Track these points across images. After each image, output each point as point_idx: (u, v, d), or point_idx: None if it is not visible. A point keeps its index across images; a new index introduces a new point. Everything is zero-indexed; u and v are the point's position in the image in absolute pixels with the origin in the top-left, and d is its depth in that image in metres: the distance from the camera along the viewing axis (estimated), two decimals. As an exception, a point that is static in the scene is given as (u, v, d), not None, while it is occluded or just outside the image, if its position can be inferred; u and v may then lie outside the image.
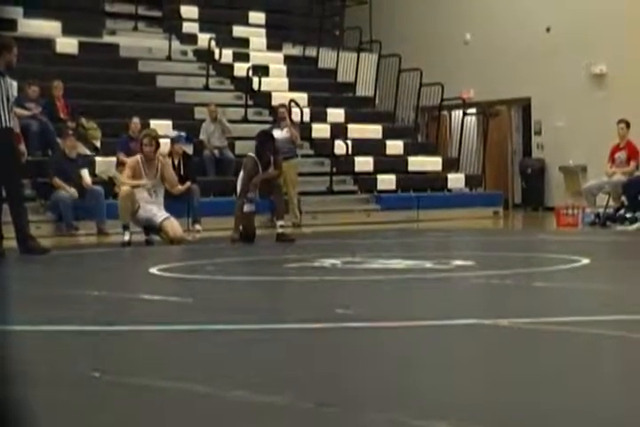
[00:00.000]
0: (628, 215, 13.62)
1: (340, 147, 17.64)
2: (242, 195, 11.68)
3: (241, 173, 11.91)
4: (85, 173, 13.88)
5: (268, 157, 11.67)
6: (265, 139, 11.81)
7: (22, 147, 10.38)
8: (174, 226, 11.46)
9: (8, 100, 9.66)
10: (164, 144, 14.37)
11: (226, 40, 19.71)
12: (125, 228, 11.36)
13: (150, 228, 11.54)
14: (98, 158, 15.07)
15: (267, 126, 16.40)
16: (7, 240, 9.81)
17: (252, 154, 11.79)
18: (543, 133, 21.12)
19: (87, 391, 3.35)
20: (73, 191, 13.70)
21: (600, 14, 19.46)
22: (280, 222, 11.69)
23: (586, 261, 7.97)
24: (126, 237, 11.29)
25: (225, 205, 15.33)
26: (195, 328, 4.76)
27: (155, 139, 11.51)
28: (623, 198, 14.09)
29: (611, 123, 15.49)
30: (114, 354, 4.16)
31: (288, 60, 20.67)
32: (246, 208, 11.61)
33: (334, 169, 17.52)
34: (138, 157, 11.59)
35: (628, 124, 14.81)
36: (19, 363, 2.08)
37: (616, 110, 17.01)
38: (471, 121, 21.27)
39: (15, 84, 9.96)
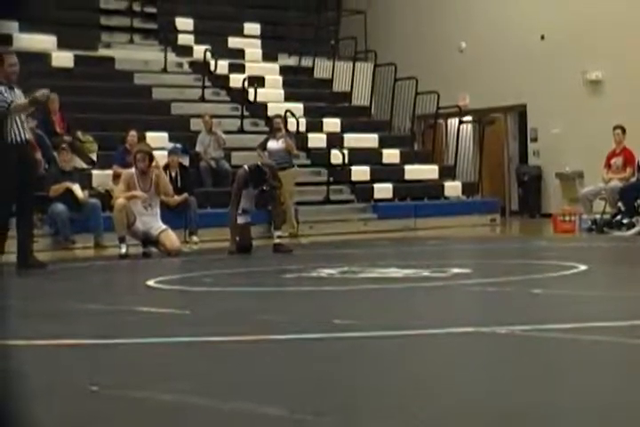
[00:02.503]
0: (624, 221, 13.62)
1: (336, 156, 17.67)
2: (233, 206, 11.66)
3: (234, 184, 11.91)
4: (77, 187, 13.83)
5: (261, 189, 11.61)
6: (257, 173, 11.56)
7: (38, 155, 10.40)
8: (171, 238, 11.46)
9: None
10: (161, 156, 14.42)
11: (221, 51, 19.74)
12: (122, 240, 11.36)
13: (148, 240, 11.54)
14: (94, 171, 15.08)
15: (262, 137, 16.47)
16: (5, 254, 9.81)
17: (245, 166, 11.77)
18: (539, 140, 21.13)
19: (85, 405, 3.35)
20: (77, 191, 13.67)
21: (595, 21, 19.49)
22: (277, 233, 11.69)
23: (583, 267, 7.97)
24: (123, 250, 11.29)
25: (222, 217, 15.31)
26: (192, 340, 4.76)
27: (148, 154, 11.52)
28: (620, 204, 14.09)
29: (607, 129, 15.52)
30: (112, 367, 4.15)
31: (284, 70, 20.71)
32: (241, 220, 11.60)
33: (331, 178, 17.54)
34: (132, 170, 11.60)
35: (624, 130, 14.83)
36: (17, 377, 2.08)
37: (612, 116, 17.03)
38: (467, 129, 21.29)
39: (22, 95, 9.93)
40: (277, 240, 11.58)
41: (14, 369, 2.04)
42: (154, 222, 11.46)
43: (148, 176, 11.46)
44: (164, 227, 11.50)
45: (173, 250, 11.31)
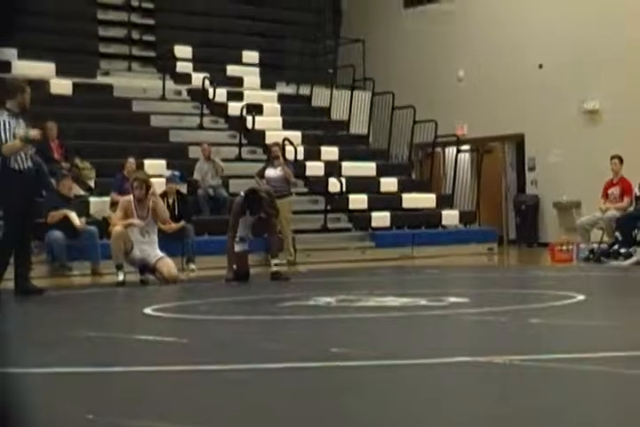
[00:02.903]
0: (622, 251, 13.62)
1: (334, 184, 17.69)
2: (230, 234, 11.65)
3: (231, 212, 11.92)
4: (74, 215, 13.81)
5: (258, 216, 11.59)
6: (253, 199, 11.53)
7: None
8: (169, 265, 11.45)
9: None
10: (159, 184, 14.43)
11: (220, 79, 19.81)
12: (119, 268, 11.35)
13: (145, 268, 11.53)
14: (92, 199, 15.08)
15: (260, 165, 16.50)
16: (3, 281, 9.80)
17: (242, 193, 11.78)
18: (537, 169, 21.18)
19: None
20: (74, 218, 13.67)
21: (593, 51, 19.59)
22: (275, 261, 11.68)
23: (581, 297, 7.96)
24: (120, 277, 11.27)
25: (220, 244, 15.29)
26: (189, 369, 4.75)
27: (145, 182, 11.54)
28: (617, 234, 14.10)
29: (604, 159, 15.56)
30: (108, 396, 4.14)
31: (282, 98, 20.77)
32: (238, 248, 11.58)
33: (329, 207, 17.55)
34: (130, 197, 11.60)
35: (621, 160, 14.86)
36: (14, 406, 2.07)
37: (609, 146, 17.07)
38: (465, 158, 21.35)
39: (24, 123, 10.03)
40: (275, 268, 11.57)
41: (13, 398, 2.03)
42: (151, 250, 11.45)
43: (145, 204, 11.47)
44: (161, 255, 11.49)
45: (171, 278, 11.30)
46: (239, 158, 18.10)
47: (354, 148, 20.13)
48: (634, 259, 13.23)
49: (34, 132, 9.73)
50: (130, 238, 11.32)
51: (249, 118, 18.58)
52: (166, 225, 12.09)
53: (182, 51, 20.75)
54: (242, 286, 11.09)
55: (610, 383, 4.07)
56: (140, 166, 15.80)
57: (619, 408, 3.58)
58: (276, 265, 11.62)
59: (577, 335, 5.83)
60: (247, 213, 11.54)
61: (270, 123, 19.35)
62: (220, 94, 19.52)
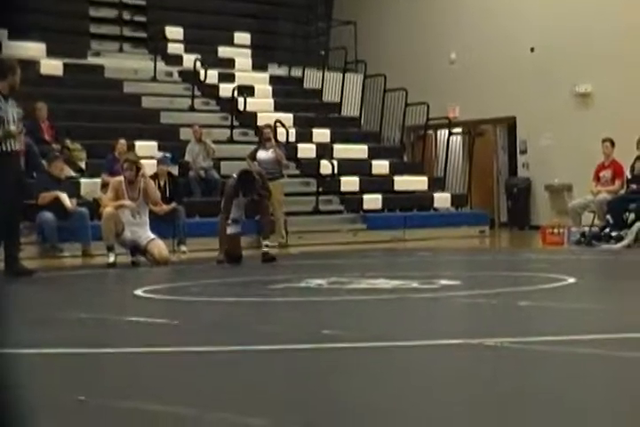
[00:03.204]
0: (613, 234, 13.64)
1: (325, 167, 17.66)
2: (223, 216, 11.64)
3: (224, 194, 11.90)
4: (65, 196, 13.77)
5: (250, 197, 11.54)
6: (245, 180, 11.45)
7: None
8: (160, 247, 11.43)
9: (14, 122, 9.70)
10: (150, 165, 14.39)
11: (211, 61, 19.74)
12: (110, 249, 11.33)
13: (136, 249, 11.51)
14: (83, 180, 15.04)
15: (252, 147, 16.46)
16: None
17: (234, 175, 11.75)
18: (529, 152, 21.17)
19: (72, 415, 3.33)
20: (65, 200, 13.64)
21: (585, 34, 19.56)
22: (266, 242, 11.67)
23: (572, 280, 7.97)
24: (111, 259, 11.26)
25: (211, 226, 15.28)
26: (181, 350, 4.74)
27: (135, 163, 11.50)
28: (608, 217, 14.11)
29: (596, 142, 15.55)
30: (99, 377, 4.14)
31: (273, 80, 20.71)
32: (230, 230, 11.55)
33: (320, 189, 17.53)
34: (121, 178, 11.58)
35: (612, 143, 14.86)
36: (5, 387, 2.07)
37: (601, 129, 17.07)
38: (457, 140, 21.33)
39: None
40: (265, 249, 11.57)
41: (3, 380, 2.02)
42: (142, 232, 11.43)
43: (136, 185, 11.44)
44: (152, 236, 11.47)
45: (162, 259, 11.28)
46: (231, 140, 18.06)
47: (346, 130, 20.10)
48: (625, 242, 13.25)
49: (14, 129, 9.66)
50: (121, 220, 11.30)
51: (240, 100, 18.52)
52: (157, 207, 12.06)
53: (174, 32, 20.66)
54: (233, 268, 11.09)
55: (600, 366, 4.08)
56: (131, 148, 15.74)
57: (609, 390, 3.58)
58: (266, 246, 11.61)
59: (567, 318, 5.84)
60: (240, 195, 11.51)
61: (262, 105, 19.29)
62: (212, 76, 19.46)
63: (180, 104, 18.78)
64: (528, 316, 5.99)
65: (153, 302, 7.33)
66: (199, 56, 19.37)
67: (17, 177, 9.79)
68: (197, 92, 19.04)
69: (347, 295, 7.36)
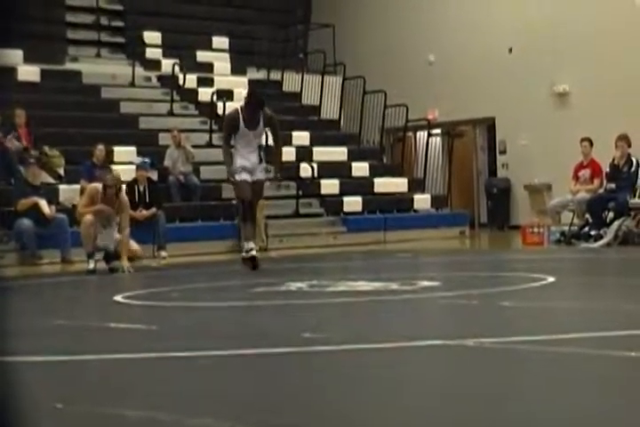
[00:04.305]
0: (592, 233, 13.69)
1: (305, 170, 17.66)
2: (226, 148, 10.98)
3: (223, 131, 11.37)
4: (44, 203, 13.72)
5: (255, 110, 10.80)
6: (257, 95, 11.04)
7: None
8: (128, 244, 11.40)
9: None
10: (130, 171, 14.37)
11: (190, 65, 19.71)
12: (90, 256, 11.29)
13: (109, 256, 11.48)
14: (62, 186, 14.98)
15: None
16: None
17: (238, 105, 11.16)
18: (508, 153, 21.23)
19: (50, 422, 3.31)
20: (44, 206, 13.59)
21: (562, 34, 19.63)
22: (251, 245, 10.99)
23: (551, 279, 7.99)
24: (91, 266, 11.22)
25: (191, 231, 15.31)
26: (159, 356, 4.72)
27: (117, 183, 11.49)
28: (587, 216, 14.17)
29: (574, 141, 15.60)
30: (77, 384, 4.11)
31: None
32: (239, 177, 10.79)
33: (300, 192, 17.52)
34: (98, 185, 11.52)
35: (591, 143, 14.91)
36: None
37: (579, 129, 17.13)
38: (436, 142, 21.35)
39: None
40: (253, 253, 10.94)
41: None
42: (109, 237, 11.41)
43: (112, 198, 11.42)
44: (118, 237, 11.46)
45: (133, 254, 11.28)
46: (210, 144, 18.01)
47: (325, 133, 20.09)
48: (604, 240, 13.30)
49: None
50: (98, 225, 11.26)
51: (219, 104, 18.47)
52: (137, 214, 11.98)
53: (151, 37, 20.62)
54: (212, 273, 11.03)
55: (582, 364, 4.08)
56: (110, 153, 15.72)
57: (590, 389, 3.59)
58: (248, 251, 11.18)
59: (547, 317, 5.85)
60: (241, 125, 10.75)
61: (240, 109, 19.22)
62: (190, 80, 19.43)
63: (159, 109, 18.74)
64: (508, 316, 5.99)
65: (133, 308, 7.31)
66: (177, 61, 19.33)
67: None
68: (176, 97, 19.00)
69: (327, 298, 7.36)
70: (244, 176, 10.80)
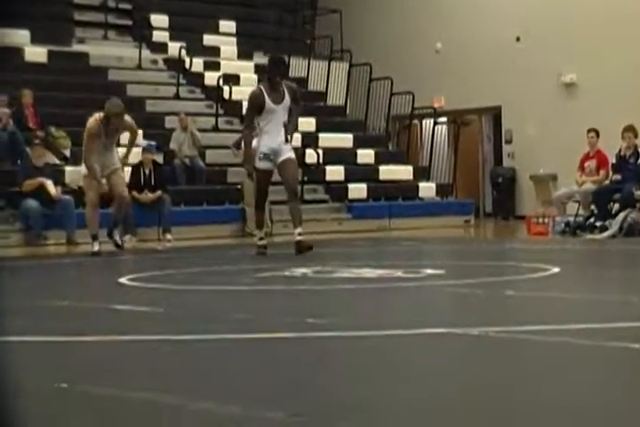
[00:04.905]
0: (597, 224, 13.67)
1: (311, 156, 17.63)
2: (247, 132, 10.71)
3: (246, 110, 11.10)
4: (50, 183, 13.74)
5: (279, 82, 10.42)
6: (279, 62, 10.78)
7: None
8: (119, 182, 11.44)
9: None
10: (136, 153, 14.34)
11: (196, 49, 19.68)
12: (94, 238, 11.30)
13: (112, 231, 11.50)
14: (67, 168, 14.98)
15: (237, 135, 16.41)
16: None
17: (259, 85, 10.95)
18: (514, 142, 21.20)
19: (54, 402, 3.32)
20: (50, 187, 13.61)
21: (570, 23, 19.58)
22: (298, 230, 10.56)
23: (556, 269, 7.98)
24: (96, 248, 11.23)
25: (195, 215, 15.32)
26: (164, 338, 4.72)
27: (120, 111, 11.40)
28: (593, 207, 14.15)
29: (581, 132, 15.56)
30: (82, 365, 4.11)
31: (259, 68, 20.62)
32: (262, 164, 10.41)
33: (305, 178, 17.48)
34: (97, 116, 11.38)
35: (597, 134, 14.87)
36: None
37: (586, 119, 17.09)
38: (442, 130, 21.33)
39: None
40: (298, 238, 10.50)
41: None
42: (109, 160, 11.38)
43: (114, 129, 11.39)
44: (117, 165, 11.44)
45: (120, 196, 11.32)
46: (216, 129, 18.01)
47: (331, 119, 20.06)
48: (609, 232, 13.27)
49: None
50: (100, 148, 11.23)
51: (226, 88, 18.46)
52: (142, 196, 11.85)
53: (159, 19, 20.59)
54: (218, 257, 11.04)
55: (585, 355, 4.08)
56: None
57: (593, 379, 3.58)
58: (299, 235, 10.49)
59: (552, 307, 5.84)
60: (267, 101, 10.30)
61: (247, 93, 19.05)
62: (197, 64, 19.41)
63: (165, 92, 18.71)
64: (513, 305, 5.99)
65: (137, 291, 7.31)
66: (184, 44, 19.30)
67: None
68: (182, 81, 18.98)
69: (331, 284, 7.36)
70: (265, 165, 10.44)
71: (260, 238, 10.79)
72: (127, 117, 11.61)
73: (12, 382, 1.96)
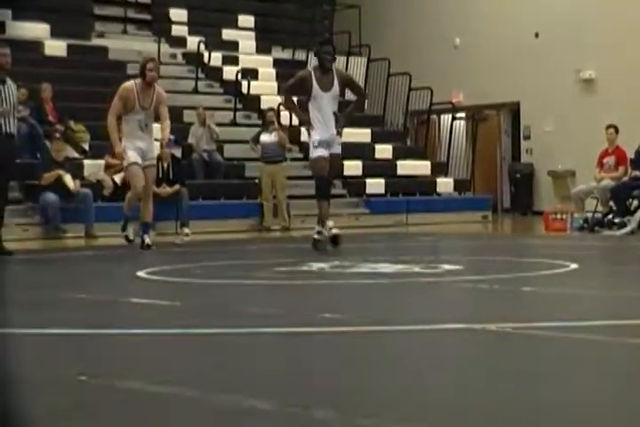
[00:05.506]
0: (616, 220, 13.62)
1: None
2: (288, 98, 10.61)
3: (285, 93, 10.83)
4: (68, 176, 13.78)
5: (329, 66, 10.30)
6: (326, 44, 10.57)
7: None
8: (149, 178, 10.97)
9: (12, 105, 9.69)
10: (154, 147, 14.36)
11: (215, 43, 19.69)
12: (126, 221, 11.26)
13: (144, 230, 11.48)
14: (86, 161, 15.04)
15: (255, 130, 16.45)
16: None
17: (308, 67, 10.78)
18: (532, 138, 21.15)
19: (73, 395, 3.33)
20: (69, 181, 13.64)
21: (589, 19, 19.51)
22: (330, 223, 10.52)
23: (574, 266, 7.96)
24: (131, 236, 11.28)
25: (213, 209, 15.35)
26: (182, 332, 4.74)
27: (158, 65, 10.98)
28: (611, 203, 14.10)
29: (600, 128, 15.51)
30: (101, 358, 4.13)
31: (277, 63, 20.66)
32: (318, 153, 10.27)
33: (323, 173, 17.48)
34: (132, 82, 11.00)
35: (616, 130, 14.82)
36: (6, 366, 2.07)
37: (605, 115, 17.04)
38: (460, 125, 21.29)
39: (14, 86, 9.98)
40: (335, 231, 10.43)
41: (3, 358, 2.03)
42: (148, 147, 10.99)
43: (150, 92, 10.96)
44: (153, 161, 11.13)
45: (145, 191, 10.85)
46: (234, 123, 18.03)
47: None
48: (627, 228, 13.24)
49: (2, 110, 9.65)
50: (136, 128, 10.78)
51: (244, 83, 18.48)
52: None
53: (178, 14, 20.62)
54: (234, 251, 11.05)
55: (602, 351, 4.08)
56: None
57: (608, 376, 3.58)
58: (331, 229, 10.42)
59: (569, 304, 5.83)
60: (315, 86, 10.08)
61: (265, 88, 19.24)
62: (215, 58, 19.43)
63: (184, 86, 18.73)
64: (530, 301, 5.99)
65: (155, 284, 7.33)
66: (203, 38, 19.32)
67: (7, 157, 9.73)
68: (201, 75, 19.01)
69: (348, 279, 7.36)
70: (321, 152, 10.19)
71: (318, 232, 10.36)
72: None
73: (13, 373, 1.98)
